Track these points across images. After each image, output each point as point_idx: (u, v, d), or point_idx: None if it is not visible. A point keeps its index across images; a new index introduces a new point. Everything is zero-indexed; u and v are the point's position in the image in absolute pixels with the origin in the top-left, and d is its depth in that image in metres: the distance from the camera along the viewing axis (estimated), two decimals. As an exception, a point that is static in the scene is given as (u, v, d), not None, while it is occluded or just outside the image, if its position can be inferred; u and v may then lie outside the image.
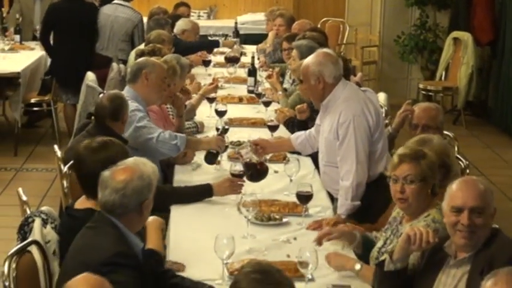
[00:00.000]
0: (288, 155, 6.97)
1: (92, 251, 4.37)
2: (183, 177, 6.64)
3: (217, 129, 7.05)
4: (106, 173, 4.53)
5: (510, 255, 4.13)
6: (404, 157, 4.81)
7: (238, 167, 6.19)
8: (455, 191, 4.27)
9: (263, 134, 7.61)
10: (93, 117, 6.55)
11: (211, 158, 6.65)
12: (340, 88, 6.14)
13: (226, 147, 6.87)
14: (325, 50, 6.63)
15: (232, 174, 6.20)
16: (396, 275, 4.44)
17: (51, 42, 11.21)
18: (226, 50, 11.85)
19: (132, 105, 6.58)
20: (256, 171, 6.21)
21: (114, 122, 6.24)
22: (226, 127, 7.24)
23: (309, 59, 6.28)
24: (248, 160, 6.27)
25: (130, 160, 4.68)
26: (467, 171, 6.52)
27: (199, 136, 7.60)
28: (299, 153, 6.95)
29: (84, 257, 4.37)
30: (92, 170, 4.85)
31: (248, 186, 6.27)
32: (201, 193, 6.11)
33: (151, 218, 4.85)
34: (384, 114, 7.08)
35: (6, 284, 4.46)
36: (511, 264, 3.87)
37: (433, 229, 4.43)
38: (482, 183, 4.34)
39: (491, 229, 4.35)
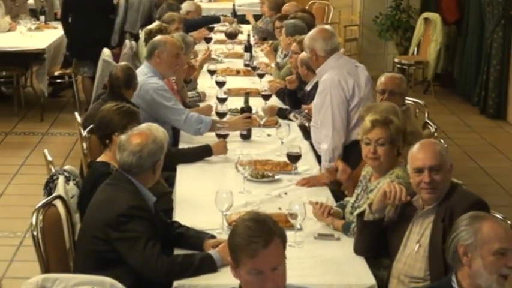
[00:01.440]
0: (280, 120, 6.97)
1: (111, 204, 4.39)
2: (187, 139, 6.63)
3: (242, 110, 6.91)
4: (123, 137, 4.56)
5: (467, 204, 4.17)
6: (376, 122, 4.81)
7: (222, 131, 6.32)
8: (416, 154, 4.31)
9: (258, 102, 7.62)
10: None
11: (245, 136, 6.68)
12: (333, 60, 6.09)
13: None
14: (323, 26, 6.73)
15: (218, 135, 6.30)
16: (374, 224, 4.48)
17: (70, 20, 11.13)
18: (225, 28, 11.83)
19: (158, 83, 6.61)
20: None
21: (127, 90, 6.31)
22: (250, 106, 7.00)
23: (307, 34, 6.29)
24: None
25: (144, 126, 4.69)
26: (436, 134, 6.52)
27: (201, 105, 7.61)
28: (290, 120, 6.98)
29: (104, 209, 4.40)
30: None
31: (245, 148, 6.34)
32: (202, 153, 6.12)
33: None
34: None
35: (34, 233, 4.47)
36: (468, 211, 3.91)
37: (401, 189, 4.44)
38: (438, 144, 4.42)
39: (452, 183, 4.38)
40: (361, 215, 4.55)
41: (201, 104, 7.64)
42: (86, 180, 5.17)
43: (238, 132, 6.66)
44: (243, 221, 3.37)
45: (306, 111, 6.79)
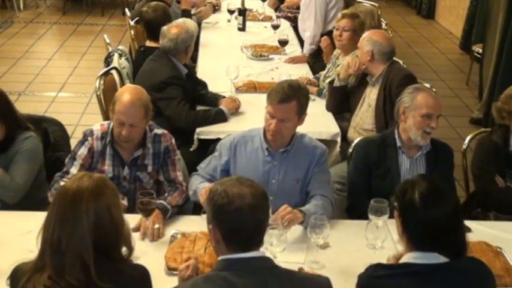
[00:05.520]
0: (274, 16, 6.83)
1: (154, 74, 4.35)
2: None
3: (239, 11, 6.64)
4: (165, 28, 4.50)
5: (400, 77, 4.16)
6: (346, 15, 4.80)
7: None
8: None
9: (258, 3, 7.43)
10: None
11: (241, 29, 6.52)
12: None
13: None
14: None
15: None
16: (340, 89, 4.47)
17: None
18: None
19: None
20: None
21: None
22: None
23: None
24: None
25: (181, 20, 4.62)
26: (386, 27, 6.38)
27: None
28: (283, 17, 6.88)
29: (149, 77, 4.35)
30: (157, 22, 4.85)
31: (247, 36, 6.20)
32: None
33: None
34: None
35: (98, 93, 4.45)
36: (402, 82, 3.96)
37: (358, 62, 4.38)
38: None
39: (392, 61, 4.32)
40: (331, 82, 4.54)
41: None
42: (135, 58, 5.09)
43: (236, 27, 6.58)
44: (284, 81, 3.30)
45: (285, 8, 6.76)
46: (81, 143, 3.27)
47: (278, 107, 3.14)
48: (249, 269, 2.11)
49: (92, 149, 3.25)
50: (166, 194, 3.22)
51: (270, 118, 3.18)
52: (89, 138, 3.26)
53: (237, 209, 2.10)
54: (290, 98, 3.15)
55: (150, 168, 3.31)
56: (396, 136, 3.41)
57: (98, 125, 3.33)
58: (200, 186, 3.18)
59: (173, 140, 3.38)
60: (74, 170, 3.18)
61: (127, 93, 3.22)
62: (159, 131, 3.35)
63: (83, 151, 3.24)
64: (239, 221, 2.11)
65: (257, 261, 2.13)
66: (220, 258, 2.16)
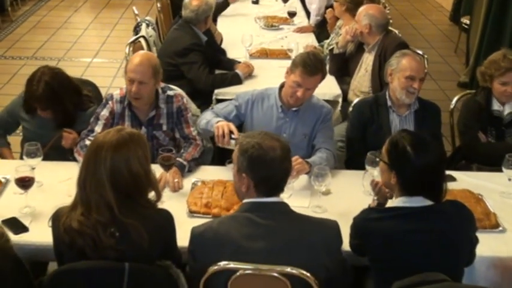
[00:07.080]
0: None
1: (178, 41, 4.35)
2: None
3: None
4: (187, 0, 4.48)
5: (394, 44, 4.12)
6: None
7: None
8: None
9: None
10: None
11: (255, 2, 6.42)
12: None
13: None
14: None
15: None
16: (339, 55, 4.45)
17: None
18: None
19: None
20: None
21: None
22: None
23: None
24: None
25: None
26: (384, 1, 6.27)
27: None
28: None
29: (173, 44, 4.37)
30: None
31: (260, 8, 6.14)
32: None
33: None
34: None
35: (127, 59, 4.38)
36: (396, 49, 3.83)
37: (355, 28, 4.31)
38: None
39: (388, 31, 4.26)
40: (331, 50, 4.53)
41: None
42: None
43: (251, 0, 6.51)
44: (309, 53, 3.26)
45: None
46: (103, 105, 3.27)
47: (308, 79, 3.14)
48: (269, 211, 2.18)
49: (112, 111, 3.25)
50: (182, 151, 3.21)
51: (297, 87, 3.17)
52: (110, 102, 3.26)
53: (272, 159, 2.16)
54: (319, 71, 3.17)
55: (165, 127, 3.29)
56: (387, 96, 3.40)
57: (117, 89, 3.32)
58: (215, 120, 3.14)
59: (185, 100, 3.34)
60: (98, 129, 3.19)
61: (138, 56, 3.19)
62: (171, 92, 3.32)
63: (105, 113, 3.24)
64: (272, 169, 2.17)
65: (276, 206, 2.20)
66: (244, 201, 2.22)
